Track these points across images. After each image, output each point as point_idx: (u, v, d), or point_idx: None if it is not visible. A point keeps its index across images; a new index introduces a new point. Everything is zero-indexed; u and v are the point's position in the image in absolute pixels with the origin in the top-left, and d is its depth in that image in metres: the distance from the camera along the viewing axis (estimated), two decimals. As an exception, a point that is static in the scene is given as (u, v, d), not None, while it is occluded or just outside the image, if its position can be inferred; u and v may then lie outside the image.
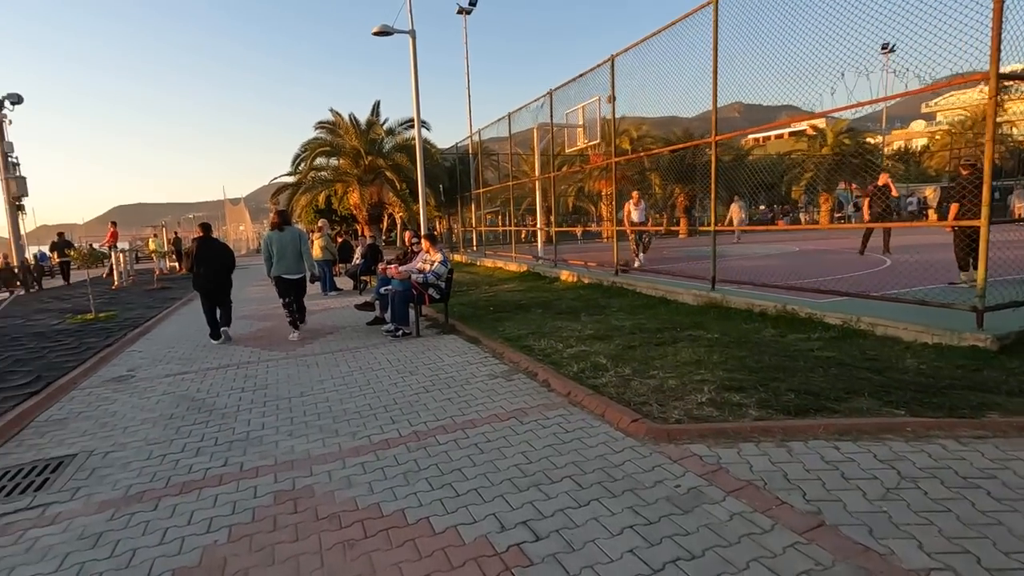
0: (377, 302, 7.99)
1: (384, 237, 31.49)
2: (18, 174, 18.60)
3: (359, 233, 24.69)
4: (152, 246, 21.03)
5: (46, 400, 5.00)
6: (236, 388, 5.19)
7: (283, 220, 7.59)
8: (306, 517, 2.80)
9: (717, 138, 7.46)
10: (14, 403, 4.78)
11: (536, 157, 13.59)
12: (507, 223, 28.86)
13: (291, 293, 7.45)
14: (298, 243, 7.43)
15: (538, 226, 13.91)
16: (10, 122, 18.16)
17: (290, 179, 28.01)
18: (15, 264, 17.56)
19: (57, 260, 19.18)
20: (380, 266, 8.33)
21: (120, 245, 18.38)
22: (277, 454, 3.61)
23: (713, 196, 7.60)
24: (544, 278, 12.26)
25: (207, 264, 7.26)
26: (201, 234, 7.57)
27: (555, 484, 2.97)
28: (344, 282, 13.36)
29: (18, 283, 16.30)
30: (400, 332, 7.02)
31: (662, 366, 4.87)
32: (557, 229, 12.81)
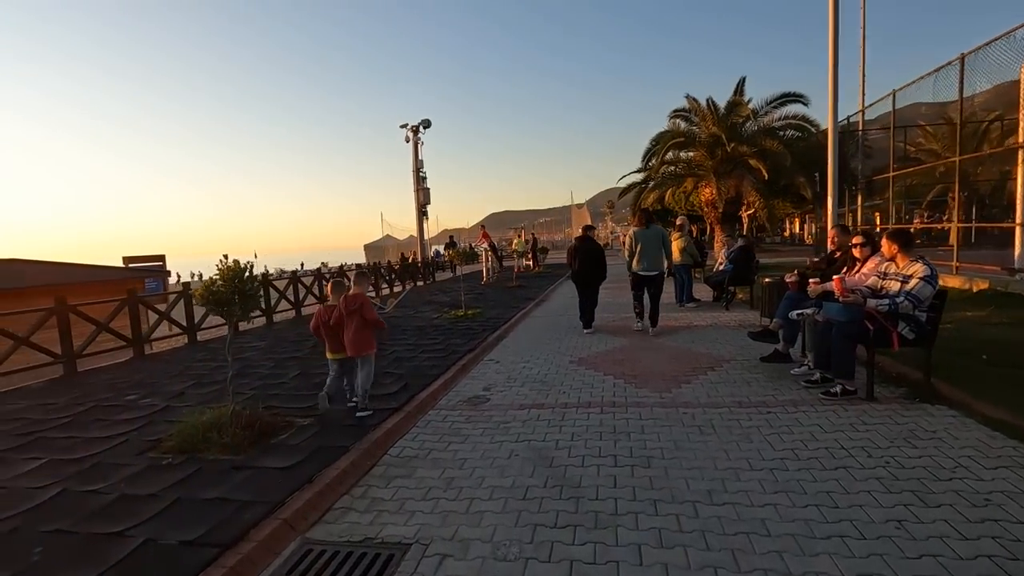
0: (781, 330, 5.53)
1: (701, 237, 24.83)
2: (425, 186, 22.76)
3: (693, 233, 21.77)
4: (515, 245, 23.09)
5: (404, 422, 4.37)
6: (606, 456, 3.55)
7: (647, 218, 7.80)
8: None
9: None
10: (377, 420, 4.27)
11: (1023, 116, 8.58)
12: (883, 221, 21.70)
13: (644, 288, 7.65)
14: (660, 241, 7.57)
15: (1017, 222, 8.86)
16: (422, 143, 22.27)
17: (637, 177, 27.34)
18: (419, 260, 21.42)
19: (448, 258, 22.84)
20: (787, 277, 5.81)
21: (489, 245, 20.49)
22: None
23: None
24: (1040, 304, 7.54)
25: (584, 259, 8.00)
26: (583, 235, 8.43)
27: None
28: (700, 290, 11.20)
29: (420, 275, 19.68)
30: (838, 388, 4.40)
31: None
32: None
